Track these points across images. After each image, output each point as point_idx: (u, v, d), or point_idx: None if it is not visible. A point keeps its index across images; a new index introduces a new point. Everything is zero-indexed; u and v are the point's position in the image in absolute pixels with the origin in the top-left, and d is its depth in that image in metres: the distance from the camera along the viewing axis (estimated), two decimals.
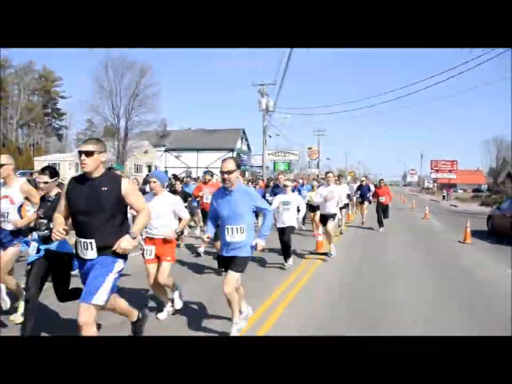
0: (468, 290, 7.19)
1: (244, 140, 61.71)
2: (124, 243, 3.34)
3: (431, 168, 65.76)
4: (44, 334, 4.39)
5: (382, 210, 15.68)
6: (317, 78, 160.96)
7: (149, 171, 48.65)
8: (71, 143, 67.39)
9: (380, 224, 15.50)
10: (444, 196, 48.72)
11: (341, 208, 11.65)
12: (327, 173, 10.03)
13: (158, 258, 5.19)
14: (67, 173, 44.70)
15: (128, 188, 3.55)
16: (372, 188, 17.82)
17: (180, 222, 5.42)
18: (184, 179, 14.64)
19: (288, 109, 65.60)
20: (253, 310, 5.23)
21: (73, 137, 66.20)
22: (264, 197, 14.43)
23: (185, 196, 10.40)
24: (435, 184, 70.58)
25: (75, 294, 4.21)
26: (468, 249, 11.76)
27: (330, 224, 9.41)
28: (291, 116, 40.43)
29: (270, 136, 37.39)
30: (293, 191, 9.61)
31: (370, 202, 17.63)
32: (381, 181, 17.50)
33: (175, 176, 11.97)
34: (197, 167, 52.71)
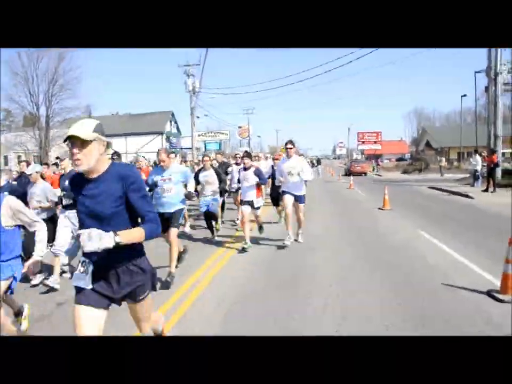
0: (381, 252, 7.76)
1: (172, 122, 60.69)
2: None
3: (358, 140, 68.21)
4: (43, 334, 4.29)
5: None
6: (243, 56, 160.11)
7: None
8: None
9: None
10: (373, 167, 50.52)
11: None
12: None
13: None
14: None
15: None
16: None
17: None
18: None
19: (215, 89, 64.95)
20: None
21: None
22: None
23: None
24: (362, 156, 73.42)
25: None
26: (385, 215, 12.55)
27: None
28: (219, 96, 40.37)
29: (198, 117, 37.12)
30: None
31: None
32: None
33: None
34: (126, 153, 51.26)
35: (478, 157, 20.65)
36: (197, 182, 8.91)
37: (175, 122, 61.84)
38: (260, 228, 9.15)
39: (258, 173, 8.34)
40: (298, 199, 8.43)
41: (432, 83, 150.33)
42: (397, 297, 5.32)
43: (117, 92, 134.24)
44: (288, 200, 8.32)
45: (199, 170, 9.47)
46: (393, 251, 7.87)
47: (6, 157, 47.33)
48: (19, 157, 44.08)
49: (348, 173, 37.94)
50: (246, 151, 9.60)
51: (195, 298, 5.46)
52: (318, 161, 43.30)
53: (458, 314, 4.73)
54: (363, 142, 67.44)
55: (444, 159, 38.44)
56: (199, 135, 46.32)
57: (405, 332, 4.26)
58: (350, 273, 6.46)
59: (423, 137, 70.72)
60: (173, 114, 60.58)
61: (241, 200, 8.85)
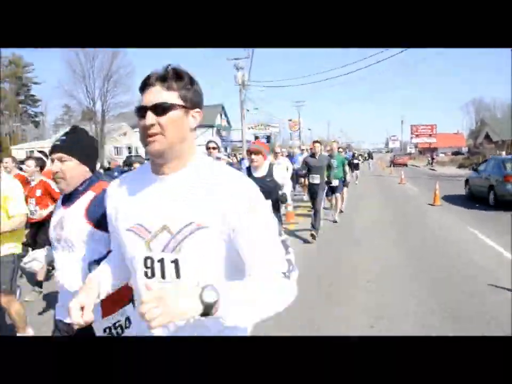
0: (426, 249, 7.47)
1: (223, 115, 61.31)
2: None
3: (412, 133, 66.21)
4: (43, 334, 4.27)
5: None
6: (292, 49, 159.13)
7: (129, 153, 48.27)
8: (49, 129, 66.37)
9: None
10: (428, 161, 48.96)
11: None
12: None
13: None
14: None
15: None
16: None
17: None
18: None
19: (265, 82, 65.09)
20: None
21: (51, 123, 65.25)
22: None
23: None
24: (416, 149, 71.21)
25: None
26: (435, 211, 12.08)
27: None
28: (270, 88, 40.47)
29: (247, 110, 37.25)
30: None
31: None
32: None
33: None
34: None
35: None
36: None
37: (226, 115, 62.45)
38: None
39: None
40: None
41: (492, 71, 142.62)
42: (437, 297, 5.09)
43: None
44: None
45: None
46: (440, 248, 7.55)
47: None
48: None
49: (392, 164, 46.51)
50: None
51: None
52: (370, 155, 42.58)
53: (501, 316, 4.47)
54: (417, 135, 65.42)
55: (504, 152, 36.45)
56: (249, 128, 46.60)
57: (441, 331, 4.08)
58: (391, 270, 6.26)
59: (482, 129, 67.27)
60: (223, 107, 61.17)
61: None
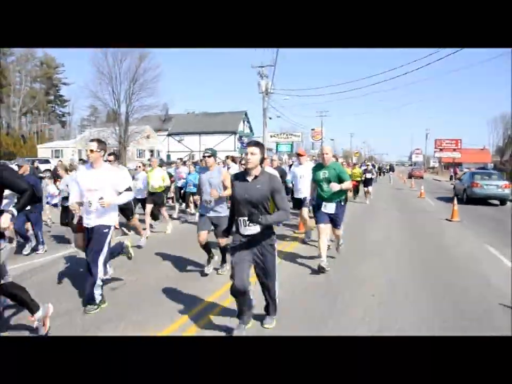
0: (438, 265, 7.34)
1: (245, 122, 61.61)
2: None
3: (435, 147, 65.23)
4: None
5: None
6: (317, 57, 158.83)
7: (151, 155, 48.78)
8: (74, 129, 67.80)
9: None
10: (451, 176, 48.13)
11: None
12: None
13: None
14: (70, 159, 45.04)
15: None
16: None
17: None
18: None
19: (289, 90, 65.17)
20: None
21: (77, 123, 66.65)
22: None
23: None
24: (440, 164, 70.06)
25: None
26: (452, 227, 11.87)
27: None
28: (293, 97, 40.47)
29: (270, 118, 37.32)
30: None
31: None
32: None
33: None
34: (200, 151, 52.83)
35: None
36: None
37: (248, 122, 62.74)
38: None
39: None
40: None
41: None
42: (443, 315, 5.00)
43: (195, 91, 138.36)
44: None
45: None
46: (452, 265, 7.42)
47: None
48: None
49: (409, 176, 48.30)
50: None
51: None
52: (391, 168, 42.35)
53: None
54: (441, 150, 64.37)
55: None
56: (271, 136, 46.64)
57: None
58: (398, 285, 6.17)
59: (509, 146, 65.98)
60: (246, 114, 61.48)
61: None
